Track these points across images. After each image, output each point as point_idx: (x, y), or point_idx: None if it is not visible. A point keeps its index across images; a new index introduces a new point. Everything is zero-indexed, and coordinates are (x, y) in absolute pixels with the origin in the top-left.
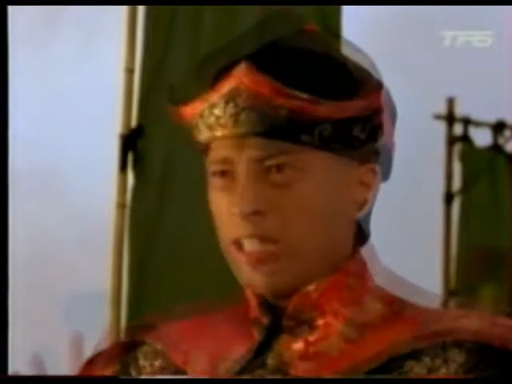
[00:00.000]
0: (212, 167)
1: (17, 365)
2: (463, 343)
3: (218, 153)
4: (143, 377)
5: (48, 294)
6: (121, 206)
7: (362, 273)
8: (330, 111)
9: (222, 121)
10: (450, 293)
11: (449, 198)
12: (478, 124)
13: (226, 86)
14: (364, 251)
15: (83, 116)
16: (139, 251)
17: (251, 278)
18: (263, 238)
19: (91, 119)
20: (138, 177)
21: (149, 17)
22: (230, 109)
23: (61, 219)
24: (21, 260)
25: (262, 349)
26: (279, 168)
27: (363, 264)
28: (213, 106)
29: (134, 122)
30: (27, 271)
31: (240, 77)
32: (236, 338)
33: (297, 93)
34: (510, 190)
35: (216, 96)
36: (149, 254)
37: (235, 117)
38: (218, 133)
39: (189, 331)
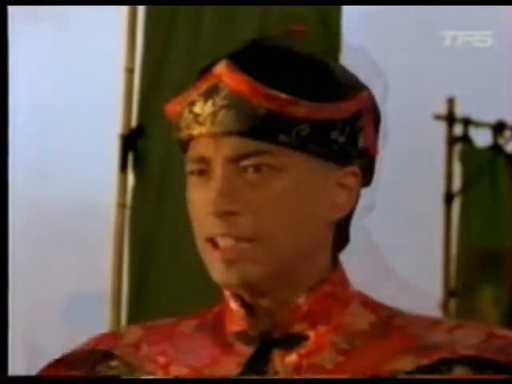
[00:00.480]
0: (189, 166)
1: (17, 365)
2: (466, 360)
3: (195, 151)
4: (145, 377)
5: (48, 294)
6: (121, 205)
7: (343, 280)
8: (309, 112)
9: (201, 119)
10: (450, 293)
11: (449, 198)
12: (477, 124)
13: (206, 84)
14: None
15: (83, 116)
16: (139, 251)
17: (226, 275)
18: (237, 238)
19: (91, 119)
20: (138, 177)
21: (149, 17)
22: (209, 107)
23: (61, 219)
24: (21, 260)
25: (254, 363)
26: (256, 168)
27: (343, 271)
28: (192, 103)
29: (134, 122)
30: (27, 271)
31: (219, 75)
32: (215, 350)
33: (276, 92)
34: (510, 190)
35: (195, 94)
36: (149, 253)
37: (213, 115)
38: (196, 131)
39: (160, 342)
